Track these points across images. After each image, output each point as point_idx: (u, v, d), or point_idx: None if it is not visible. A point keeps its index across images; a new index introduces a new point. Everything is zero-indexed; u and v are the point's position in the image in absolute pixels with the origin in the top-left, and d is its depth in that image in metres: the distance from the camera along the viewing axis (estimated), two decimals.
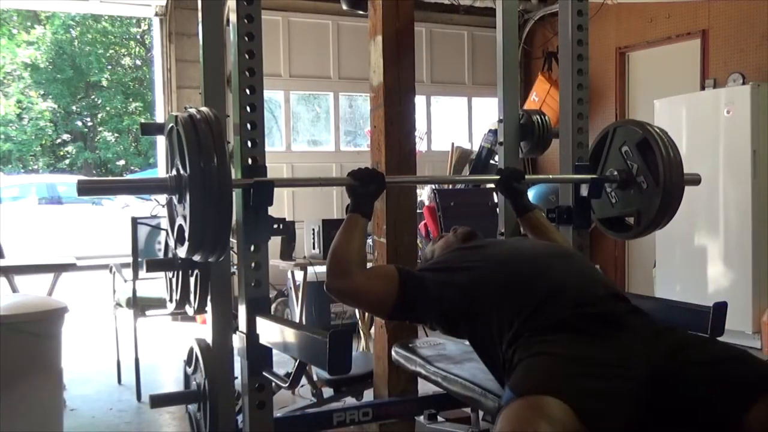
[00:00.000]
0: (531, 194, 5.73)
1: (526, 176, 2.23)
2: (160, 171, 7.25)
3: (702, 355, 1.47)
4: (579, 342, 1.50)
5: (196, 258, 1.69)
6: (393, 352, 2.38)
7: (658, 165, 2.07)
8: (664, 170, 2.06)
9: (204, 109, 1.69)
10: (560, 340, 1.50)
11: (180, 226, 1.70)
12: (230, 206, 1.66)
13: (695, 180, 2.23)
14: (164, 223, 1.87)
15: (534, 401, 1.31)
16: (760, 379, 1.39)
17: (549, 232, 2.13)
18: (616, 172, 2.22)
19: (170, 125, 1.69)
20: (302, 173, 6.79)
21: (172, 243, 1.78)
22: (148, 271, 2.21)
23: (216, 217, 1.60)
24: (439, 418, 2.50)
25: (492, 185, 2.37)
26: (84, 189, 1.67)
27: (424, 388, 2.41)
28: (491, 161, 5.71)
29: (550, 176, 2.40)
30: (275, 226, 1.86)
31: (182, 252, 1.69)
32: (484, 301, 1.70)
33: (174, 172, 1.68)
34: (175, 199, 1.72)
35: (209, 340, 2.06)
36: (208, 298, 2.04)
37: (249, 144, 1.89)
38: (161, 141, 6.42)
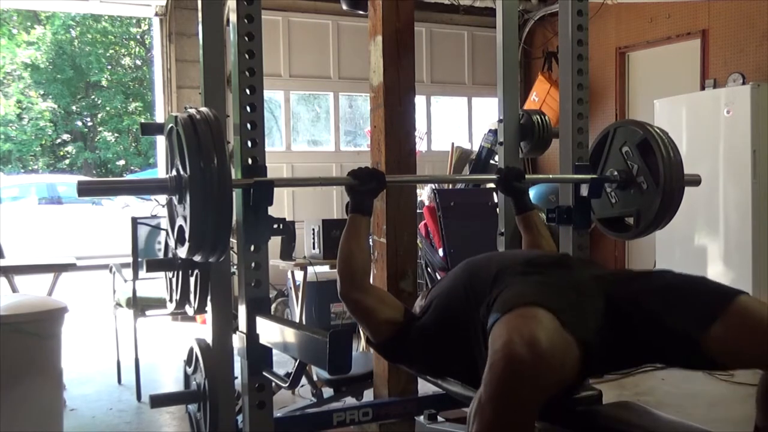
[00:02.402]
0: (531, 194, 5.72)
1: (527, 176, 2.23)
2: (160, 171, 7.25)
3: (659, 280, 1.53)
4: (539, 276, 1.57)
5: (197, 258, 1.69)
6: None
7: (659, 166, 2.07)
8: (664, 171, 2.06)
9: (204, 109, 1.68)
10: (523, 279, 1.57)
11: (180, 226, 1.70)
12: (230, 207, 1.66)
13: (695, 181, 2.23)
14: (164, 223, 1.87)
15: (523, 310, 1.37)
16: (719, 298, 1.41)
17: (539, 236, 2.15)
18: (616, 173, 2.22)
19: (170, 126, 1.69)
20: (302, 173, 6.79)
21: (172, 243, 1.78)
22: (148, 271, 2.21)
23: (216, 218, 1.59)
24: (439, 418, 2.50)
25: (492, 185, 2.37)
26: (84, 190, 1.66)
27: (424, 388, 2.41)
28: (491, 161, 5.71)
29: (550, 176, 2.40)
30: (275, 226, 1.86)
31: (182, 252, 1.69)
32: (457, 301, 1.73)
33: (174, 173, 1.68)
34: (175, 200, 1.72)
35: (209, 340, 2.06)
36: (208, 298, 2.04)
37: (249, 144, 1.89)
38: (161, 141, 6.42)
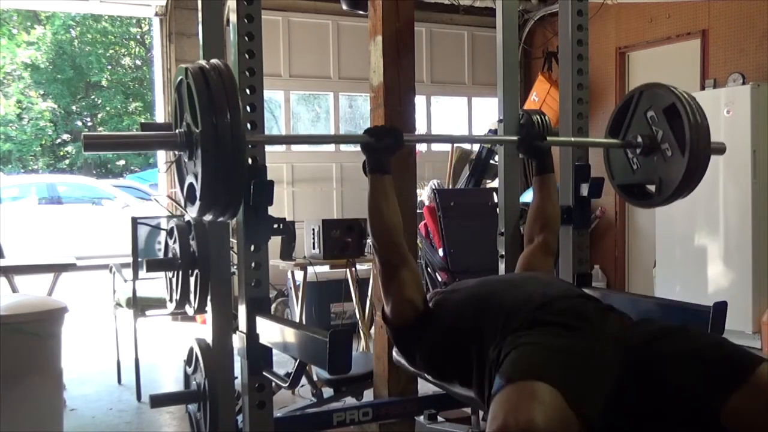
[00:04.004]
0: (531, 195, 5.72)
1: (548, 138, 2.19)
2: (160, 171, 7.24)
3: (678, 343, 1.48)
4: (554, 334, 1.52)
5: (208, 218, 1.63)
6: (393, 352, 2.38)
7: (685, 132, 1.97)
8: (691, 138, 1.96)
9: (215, 60, 1.62)
10: (539, 333, 1.53)
11: (191, 184, 1.62)
12: (244, 162, 1.58)
13: (720, 149, 2.14)
14: (164, 223, 1.86)
15: (524, 386, 1.33)
16: (740, 366, 1.38)
17: (548, 200, 2.15)
18: (639, 138, 2.11)
19: (179, 78, 1.63)
20: (302, 173, 6.80)
21: (182, 202, 1.69)
22: (148, 271, 2.20)
23: (229, 174, 1.53)
24: (439, 418, 2.51)
25: (493, 185, 2.36)
26: (90, 144, 1.60)
27: (424, 388, 2.41)
28: (491, 161, 5.71)
29: (572, 140, 2.34)
30: (275, 226, 1.86)
31: (193, 211, 1.61)
32: (466, 322, 1.70)
33: (184, 128, 1.62)
34: (184, 157, 1.65)
35: (209, 340, 2.06)
36: (208, 298, 2.04)
37: (249, 144, 1.89)
38: None
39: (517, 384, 1.34)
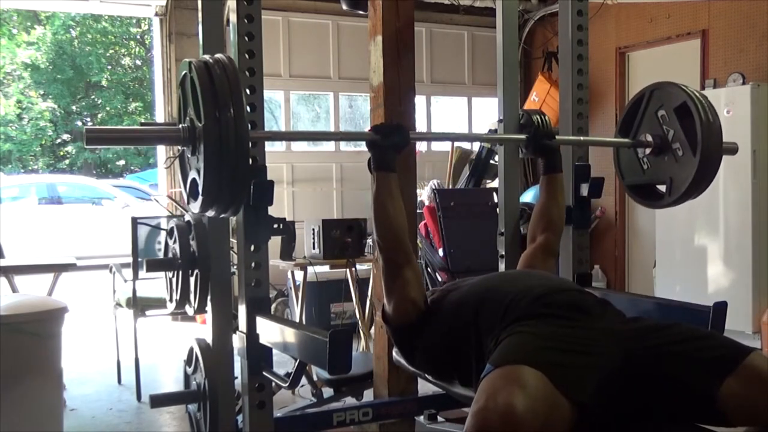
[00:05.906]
0: (531, 195, 5.73)
1: (557, 137, 2.17)
2: (160, 171, 7.24)
3: (673, 335, 1.51)
4: (551, 324, 1.53)
5: (210, 214, 1.63)
6: (393, 352, 2.38)
7: (697, 132, 1.94)
8: (702, 137, 1.94)
9: (219, 55, 1.62)
10: (536, 323, 1.54)
11: (193, 180, 1.62)
12: (247, 158, 1.57)
13: (732, 149, 2.12)
14: (164, 223, 1.86)
15: (509, 370, 1.34)
16: (732, 353, 1.42)
17: (554, 201, 2.15)
18: (650, 137, 2.09)
19: (183, 72, 1.62)
20: (302, 173, 6.80)
21: (186, 198, 1.69)
22: (148, 271, 2.20)
23: (232, 169, 1.52)
24: (439, 418, 2.50)
25: (493, 185, 2.36)
26: (93, 138, 1.58)
27: (424, 388, 2.41)
28: (491, 161, 5.71)
29: (581, 138, 2.33)
30: (275, 226, 1.86)
31: (195, 207, 1.60)
32: (465, 318, 1.71)
33: (187, 123, 1.61)
34: (187, 152, 1.64)
35: (209, 340, 2.06)
36: (208, 298, 2.04)
37: (249, 144, 1.89)
38: None
39: (503, 368, 1.35)
